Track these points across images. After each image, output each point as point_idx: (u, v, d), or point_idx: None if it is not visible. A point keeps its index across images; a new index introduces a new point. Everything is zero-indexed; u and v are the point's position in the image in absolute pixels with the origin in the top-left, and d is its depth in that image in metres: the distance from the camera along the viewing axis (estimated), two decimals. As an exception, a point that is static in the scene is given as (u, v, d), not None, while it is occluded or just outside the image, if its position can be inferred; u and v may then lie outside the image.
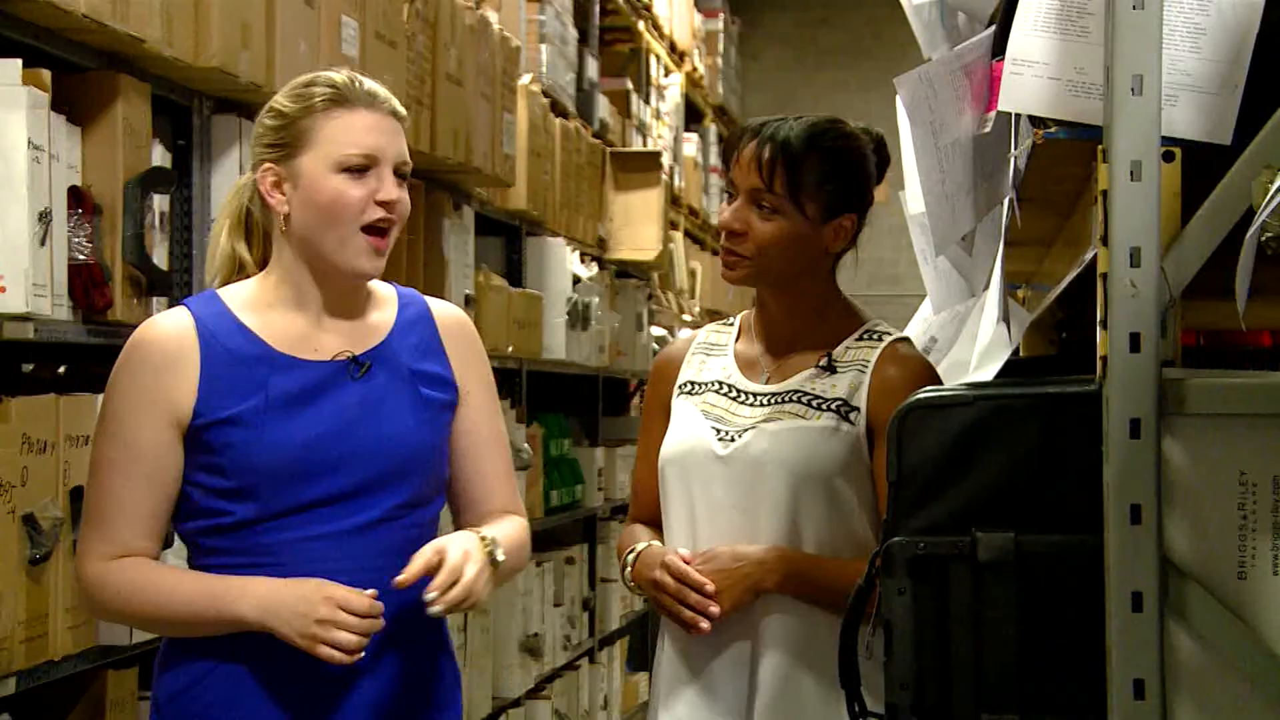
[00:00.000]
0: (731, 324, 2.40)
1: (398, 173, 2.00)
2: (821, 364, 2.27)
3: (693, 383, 2.34)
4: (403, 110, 2.05)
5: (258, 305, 2.01)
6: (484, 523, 2.09)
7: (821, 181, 2.24)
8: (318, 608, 1.88)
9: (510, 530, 2.08)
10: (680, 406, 2.33)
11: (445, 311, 2.13)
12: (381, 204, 1.97)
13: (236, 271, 2.07)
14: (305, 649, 1.89)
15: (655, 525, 2.38)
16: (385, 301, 2.09)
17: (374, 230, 1.97)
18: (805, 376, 2.27)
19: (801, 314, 2.31)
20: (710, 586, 2.19)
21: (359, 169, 1.96)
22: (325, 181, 1.96)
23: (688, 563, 2.22)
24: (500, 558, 1.99)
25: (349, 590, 1.90)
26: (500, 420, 2.17)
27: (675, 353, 2.41)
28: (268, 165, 1.99)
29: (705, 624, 2.20)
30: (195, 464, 1.96)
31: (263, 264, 2.06)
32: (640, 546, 2.30)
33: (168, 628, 1.99)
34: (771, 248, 2.24)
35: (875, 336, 2.30)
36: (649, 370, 2.48)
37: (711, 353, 2.37)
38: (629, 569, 2.30)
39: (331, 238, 1.96)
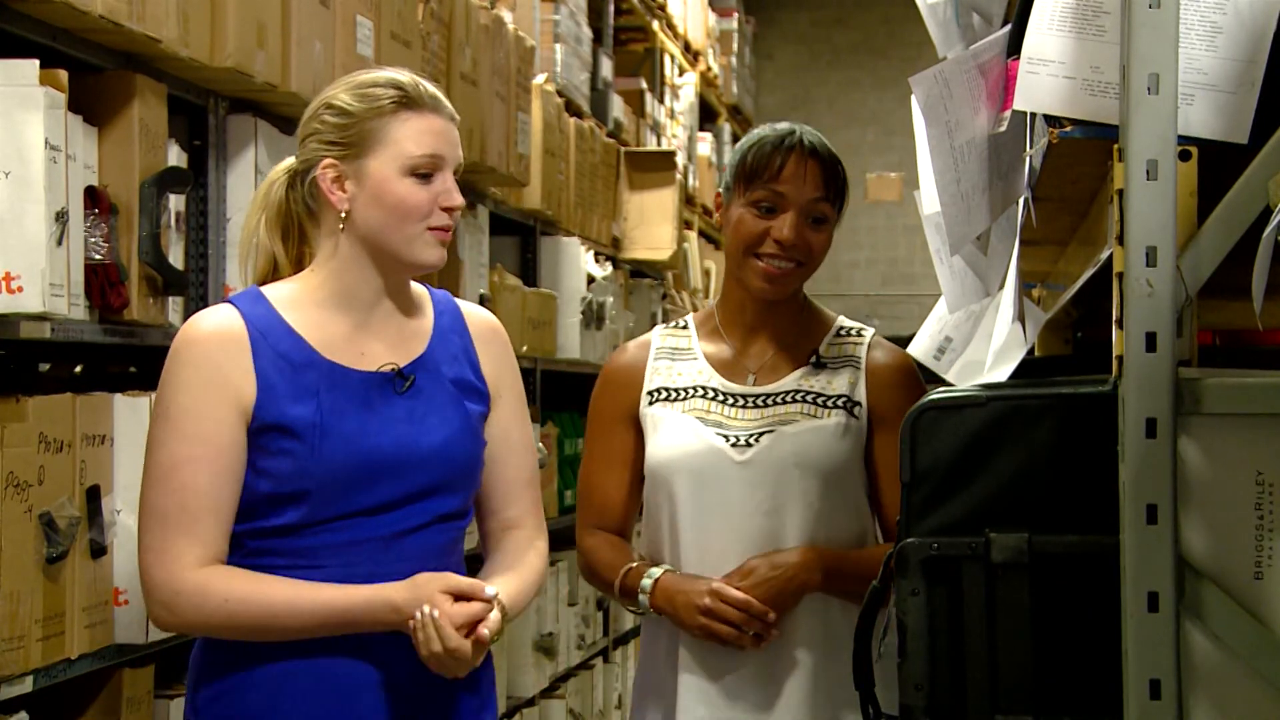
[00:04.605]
0: (685, 326, 2.42)
1: (455, 174, 2.04)
2: (812, 361, 2.33)
3: (667, 389, 2.35)
4: (458, 115, 2.07)
5: (303, 305, 2.01)
6: (504, 533, 2.11)
7: (846, 188, 2.35)
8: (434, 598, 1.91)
9: (521, 581, 2.07)
10: (664, 414, 2.33)
11: (479, 317, 2.14)
12: (446, 209, 2.01)
13: (272, 270, 2.07)
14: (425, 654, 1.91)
15: (623, 535, 2.40)
16: (422, 302, 2.10)
17: (437, 229, 2.01)
18: (798, 375, 2.31)
19: (789, 314, 2.36)
20: (772, 615, 2.22)
21: (425, 173, 1.99)
22: (394, 184, 1.98)
23: (737, 589, 2.24)
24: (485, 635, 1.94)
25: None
26: (529, 428, 2.17)
27: (634, 360, 2.40)
28: (330, 162, 2.00)
29: (763, 645, 2.24)
30: (249, 465, 1.95)
31: (296, 261, 2.07)
32: (657, 573, 2.29)
33: (273, 639, 1.94)
34: (821, 255, 2.33)
35: (854, 333, 2.38)
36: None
37: (677, 357, 2.38)
38: (645, 596, 2.28)
39: (398, 237, 1.99)
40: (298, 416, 1.94)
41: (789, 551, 2.24)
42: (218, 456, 1.93)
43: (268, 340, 1.97)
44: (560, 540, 5.06)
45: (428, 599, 1.91)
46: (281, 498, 1.95)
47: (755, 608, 2.21)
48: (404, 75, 2.03)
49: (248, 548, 1.97)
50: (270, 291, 2.03)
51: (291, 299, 2.02)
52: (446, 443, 2.01)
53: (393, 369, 2.01)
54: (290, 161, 2.07)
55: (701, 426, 2.30)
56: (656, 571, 2.30)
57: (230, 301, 2.02)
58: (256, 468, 1.95)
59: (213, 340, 1.96)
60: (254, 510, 1.96)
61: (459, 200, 2.02)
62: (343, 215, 2.00)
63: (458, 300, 2.15)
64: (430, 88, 2.03)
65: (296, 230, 2.06)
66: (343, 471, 1.95)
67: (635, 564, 2.32)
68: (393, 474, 1.97)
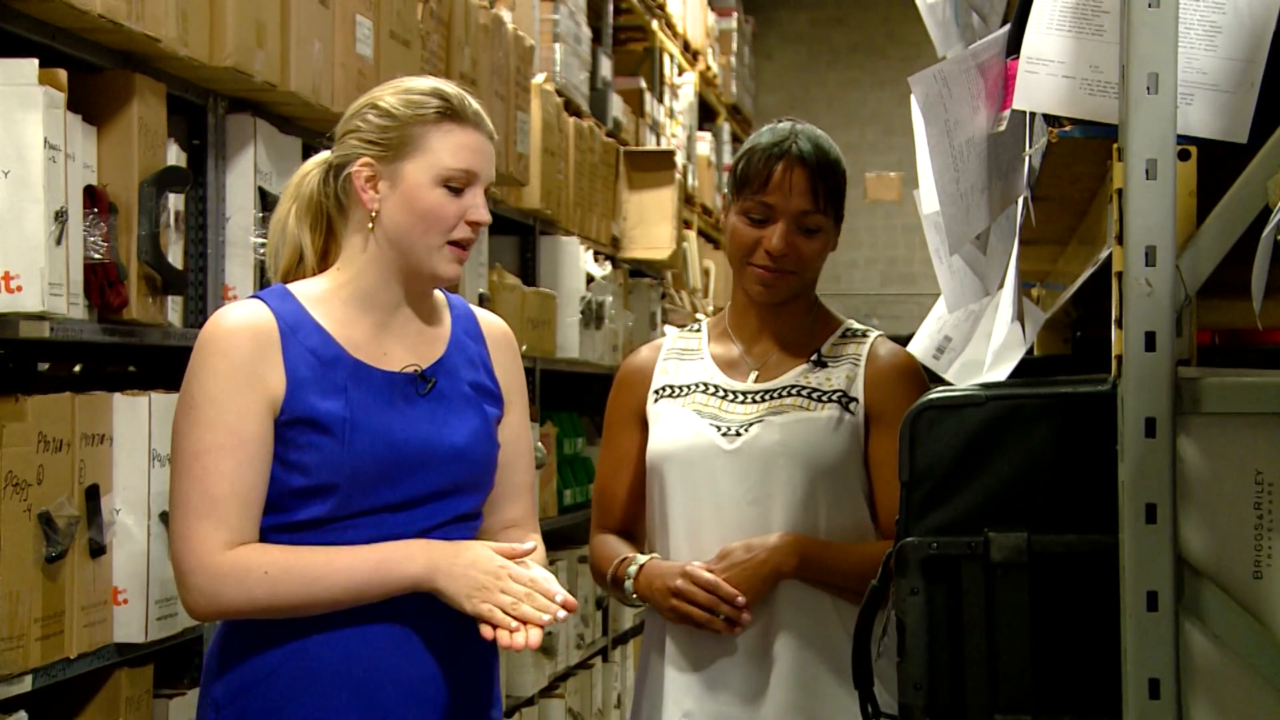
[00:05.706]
0: (698, 329, 2.45)
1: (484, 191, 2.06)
2: (813, 359, 2.35)
3: (672, 387, 2.38)
4: (495, 134, 2.09)
5: (329, 303, 2.02)
6: (502, 531, 2.13)
7: (841, 191, 2.35)
8: (493, 566, 1.94)
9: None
10: (665, 409, 2.36)
11: (493, 324, 2.17)
12: (471, 223, 2.02)
13: (297, 262, 2.08)
14: (473, 611, 1.93)
15: (626, 535, 2.43)
16: (440, 308, 2.12)
17: (458, 244, 2.03)
18: (798, 372, 2.34)
19: (795, 316, 2.38)
20: (742, 599, 2.23)
21: (457, 186, 2.01)
22: (426, 192, 2.00)
23: (709, 571, 2.25)
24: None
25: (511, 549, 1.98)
26: (530, 433, 2.19)
27: (645, 361, 2.44)
28: (366, 161, 2.01)
29: (737, 630, 2.24)
30: (277, 459, 1.95)
31: (322, 255, 2.08)
32: (642, 560, 2.33)
33: (317, 606, 1.94)
34: (816, 263, 2.34)
35: (859, 334, 2.40)
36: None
37: (685, 358, 2.41)
38: (630, 581, 2.31)
39: (420, 245, 2.01)
40: (328, 411, 1.95)
41: (767, 537, 2.27)
42: (242, 445, 1.93)
43: (297, 336, 1.98)
44: (559, 540, 5.06)
45: (486, 567, 1.95)
46: (310, 491, 1.95)
47: (723, 590, 2.22)
48: (450, 87, 2.05)
49: (272, 542, 1.97)
50: (297, 289, 2.04)
51: (318, 296, 2.03)
52: (468, 443, 2.03)
53: (415, 370, 2.03)
54: (325, 155, 2.08)
55: (697, 419, 2.33)
56: (642, 559, 2.33)
57: (258, 297, 2.03)
58: (285, 461, 1.96)
59: (242, 332, 1.96)
60: (280, 504, 1.96)
61: (485, 216, 2.04)
62: (372, 215, 2.02)
63: (471, 307, 2.18)
64: (474, 103, 2.06)
65: (324, 223, 2.08)
66: (373, 465, 1.96)
67: (628, 555, 2.34)
68: (419, 470, 1.99)
